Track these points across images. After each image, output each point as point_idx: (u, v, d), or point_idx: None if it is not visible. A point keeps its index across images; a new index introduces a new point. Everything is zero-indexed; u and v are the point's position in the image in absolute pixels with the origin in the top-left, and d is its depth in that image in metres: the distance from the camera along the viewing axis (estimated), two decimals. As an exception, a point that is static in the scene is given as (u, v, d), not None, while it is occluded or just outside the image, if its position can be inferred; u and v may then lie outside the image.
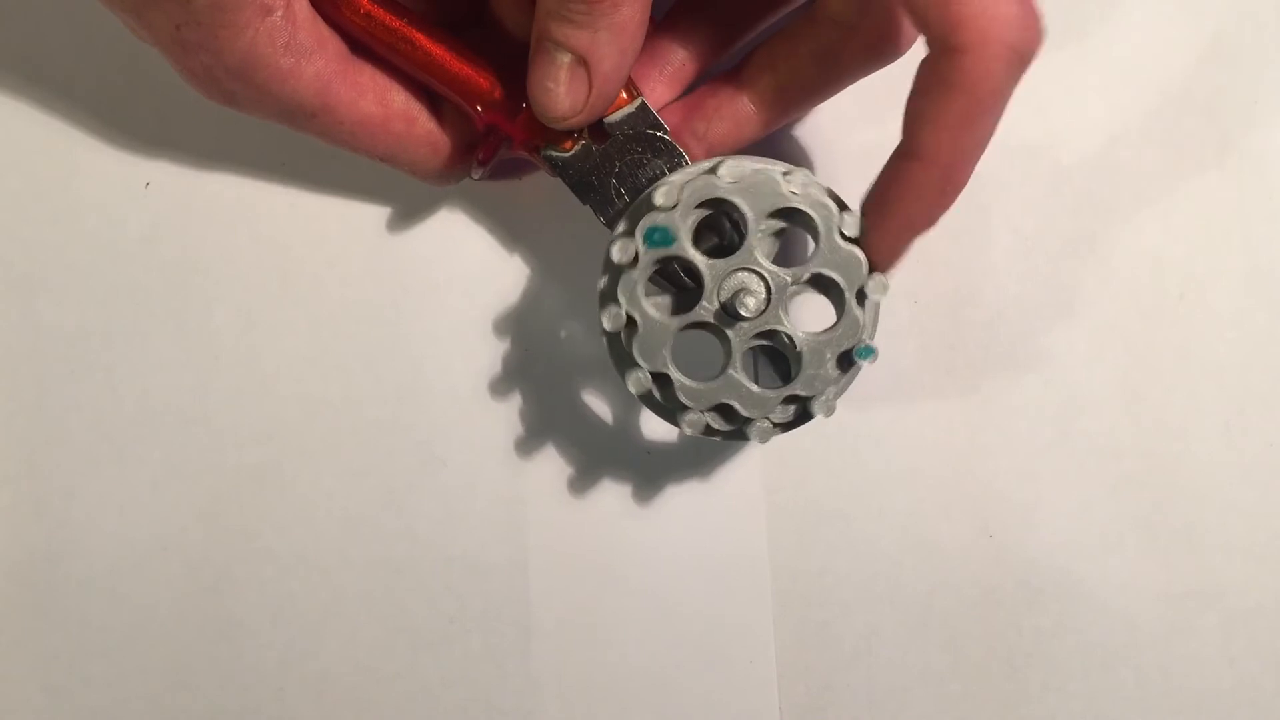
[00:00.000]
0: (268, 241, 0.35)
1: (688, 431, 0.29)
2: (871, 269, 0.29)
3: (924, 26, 0.26)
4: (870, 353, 0.29)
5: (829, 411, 0.29)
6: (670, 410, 0.30)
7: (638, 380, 0.29)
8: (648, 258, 0.29)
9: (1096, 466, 0.35)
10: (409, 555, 0.35)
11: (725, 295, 0.29)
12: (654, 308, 0.29)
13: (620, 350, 0.30)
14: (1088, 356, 0.35)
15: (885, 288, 0.29)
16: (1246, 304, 0.35)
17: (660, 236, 0.29)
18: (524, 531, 0.35)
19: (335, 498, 0.35)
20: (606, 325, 0.29)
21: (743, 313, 0.28)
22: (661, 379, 0.29)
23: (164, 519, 0.35)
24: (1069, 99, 0.35)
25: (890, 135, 0.34)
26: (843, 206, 0.29)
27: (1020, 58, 0.25)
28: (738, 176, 0.29)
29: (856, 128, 0.35)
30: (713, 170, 0.29)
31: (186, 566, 0.35)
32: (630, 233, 0.29)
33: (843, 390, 0.30)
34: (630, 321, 0.29)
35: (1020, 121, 0.35)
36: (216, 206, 0.35)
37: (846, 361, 0.29)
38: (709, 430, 0.30)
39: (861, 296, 0.29)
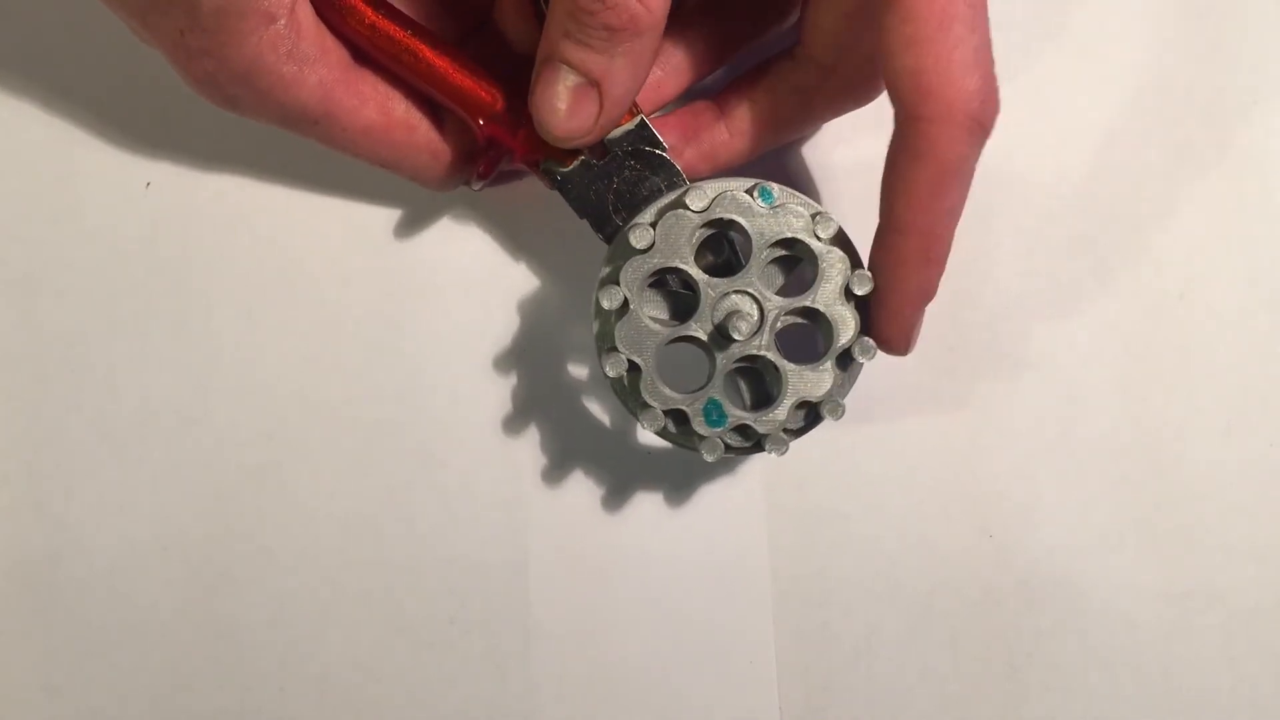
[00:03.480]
0: (268, 241, 0.35)
1: (709, 459, 0.30)
2: (868, 334, 0.29)
3: (894, 94, 0.27)
4: (839, 411, 0.30)
5: (781, 449, 0.30)
6: (687, 439, 0.30)
7: (654, 418, 0.30)
8: (638, 303, 0.29)
9: (1096, 466, 0.35)
10: (409, 555, 0.35)
11: (719, 316, 0.29)
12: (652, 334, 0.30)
13: (627, 393, 0.30)
14: (1088, 356, 0.35)
15: (872, 350, 0.29)
16: (1246, 304, 0.35)
17: (718, 416, 0.29)
18: (524, 532, 0.35)
19: (335, 498, 0.35)
20: (609, 372, 0.30)
21: (735, 336, 0.29)
22: (675, 413, 0.30)
23: (164, 519, 0.35)
24: (1069, 99, 0.35)
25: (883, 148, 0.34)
26: (856, 263, 0.29)
27: (982, 129, 0.26)
28: (770, 204, 0.29)
29: (852, 141, 0.35)
30: (749, 190, 0.29)
31: (186, 566, 0.35)
32: (615, 278, 0.29)
33: (801, 435, 0.31)
34: (633, 366, 0.30)
35: (1021, 121, 0.35)
36: (217, 207, 0.35)
37: (813, 411, 0.30)
38: (729, 449, 0.30)
39: (847, 357, 0.30)
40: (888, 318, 0.29)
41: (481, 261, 0.35)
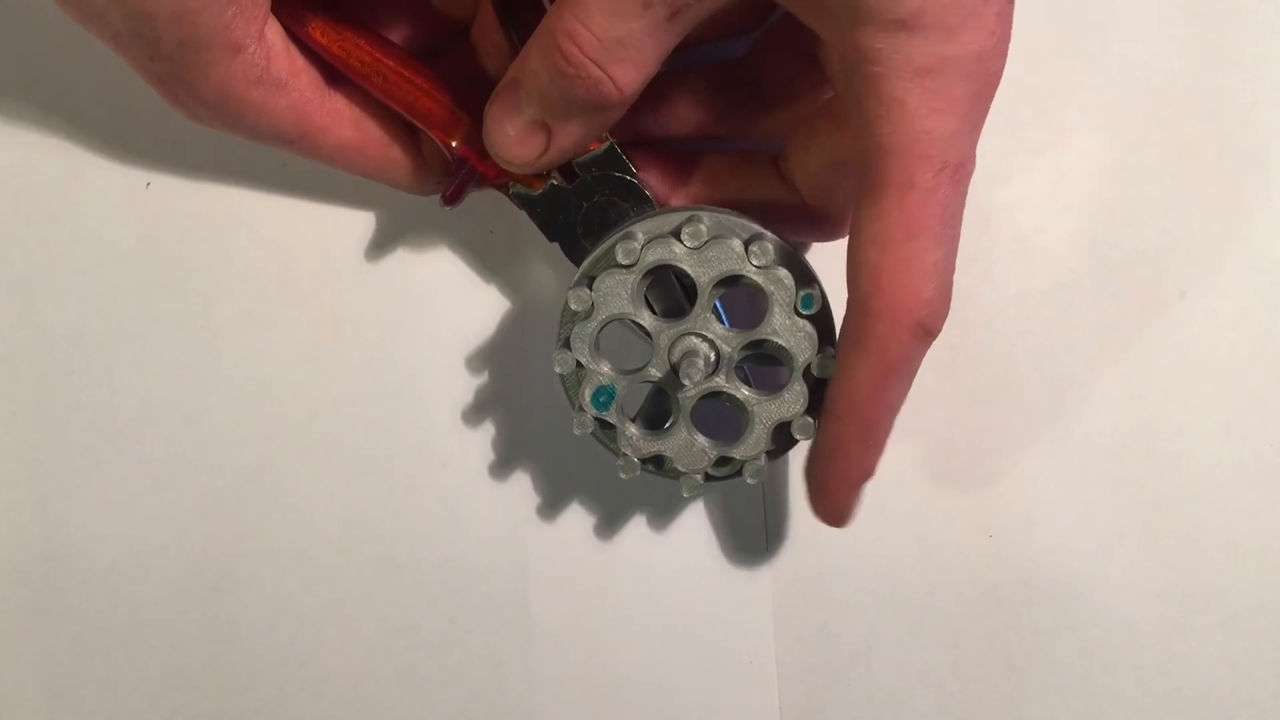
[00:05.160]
0: (267, 242, 0.35)
1: (622, 476, 0.30)
2: (824, 347, 0.29)
3: (851, 281, 0.27)
4: (809, 430, 0.29)
5: (759, 478, 0.30)
6: (612, 450, 0.30)
7: (582, 422, 0.30)
8: (602, 313, 0.29)
9: (1096, 466, 0.35)
10: (409, 555, 0.35)
11: (675, 357, 0.29)
12: (606, 361, 0.30)
13: (570, 393, 0.30)
14: (1088, 356, 0.35)
15: (834, 366, 0.29)
16: (1246, 304, 0.35)
17: (605, 399, 0.29)
18: (523, 531, 0.35)
19: (335, 498, 0.35)
20: (557, 369, 0.30)
21: (685, 382, 0.28)
22: (608, 421, 0.30)
23: (164, 519, 0.35)
24: (1069, 99, 0.35)
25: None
26: (802, 279, 0.29)
27: (927, 334, 0.27)
28: (698, 242, 0.29)
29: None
30: (676, 232, 0.29)
31: (186, 566, 0.35)
32: (588, 282, 0.29)
33: (778, 457, 0.30)
34: (581, 367, 0.30)
35: (1020, 121, 0.35)
36: (217, 207, 0.35)
37: (784, 433, 0.30)
38: (645, 471, 0.30)
39: (809, 375, 0.29)
40: (827, 498, 0.29)
41: (482, 262, 0.35)
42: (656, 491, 0.35)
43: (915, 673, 0.35)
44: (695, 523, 0.35)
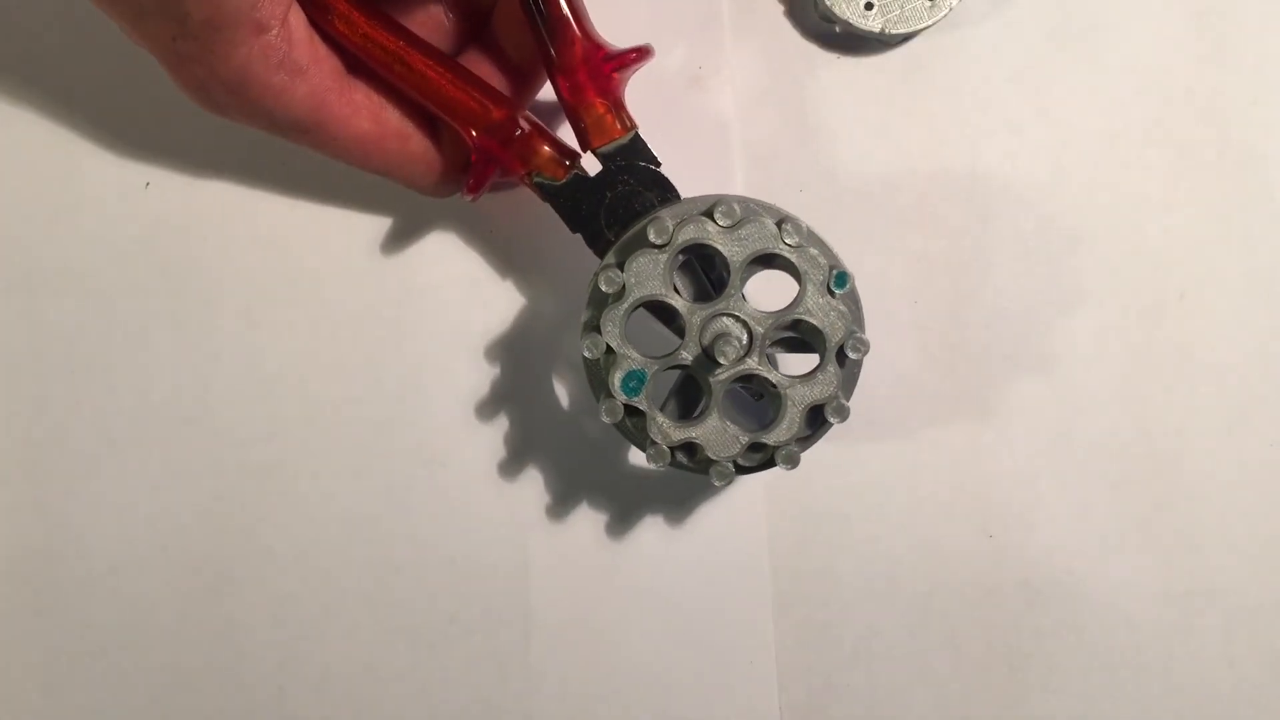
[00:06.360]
0: (268, 242, 0.35)
1: (653, 465, 0.29)
2: (853, 329, 0.29)
3: None
4: (843, 412, 0.29)
5: (792, 464, 0.29)
6: (640, 440, 0.30)
7: (612, 409, 0.29)
8: (634, 294, 0.29)
9: (1096, 466, 0.35)
10: (409, 555, 0.35)
11: (707, 340, 0.29)
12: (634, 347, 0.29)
13: (598, 378, 0.30)
14: (1088, 356, 0.35)
15: (866, 345, 0.29)
16: (1246, 304, 0.35)
17: (636, 384, 0.29)
18: (524, 531, 0.35)
19: (335, 498, 0.35)
20: (586, 353, 0.29)
21: (720, 360, 0.28)
22: (636, 409, 0.29)
23: (164, 519, 0.35)
24: (1069, 99, 0.35)
25: (901, 163, 0.34)
26: (834, 265, 0.29)
27: None
28: (731, 221, 0.29)
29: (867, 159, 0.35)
30: (708, 213, 0.29)
31: (186, 566, 0.35)
32: (620, 264, 0.29)
33: (810, 445, 0.30)
34: (610, 351, 0.29)
35: (1021, 122, 0.35)
36: (217, 207, 0.35)
37: (817, 416, 0.29)
38: (674, 463, 0.30)
39: (841, 355, 0.29)
40: None
41: (482, 262, 0.35)
42: (657, 492, 0.35)
43: (915, 673, 0.35)
44: (695, 523, 0.35)
